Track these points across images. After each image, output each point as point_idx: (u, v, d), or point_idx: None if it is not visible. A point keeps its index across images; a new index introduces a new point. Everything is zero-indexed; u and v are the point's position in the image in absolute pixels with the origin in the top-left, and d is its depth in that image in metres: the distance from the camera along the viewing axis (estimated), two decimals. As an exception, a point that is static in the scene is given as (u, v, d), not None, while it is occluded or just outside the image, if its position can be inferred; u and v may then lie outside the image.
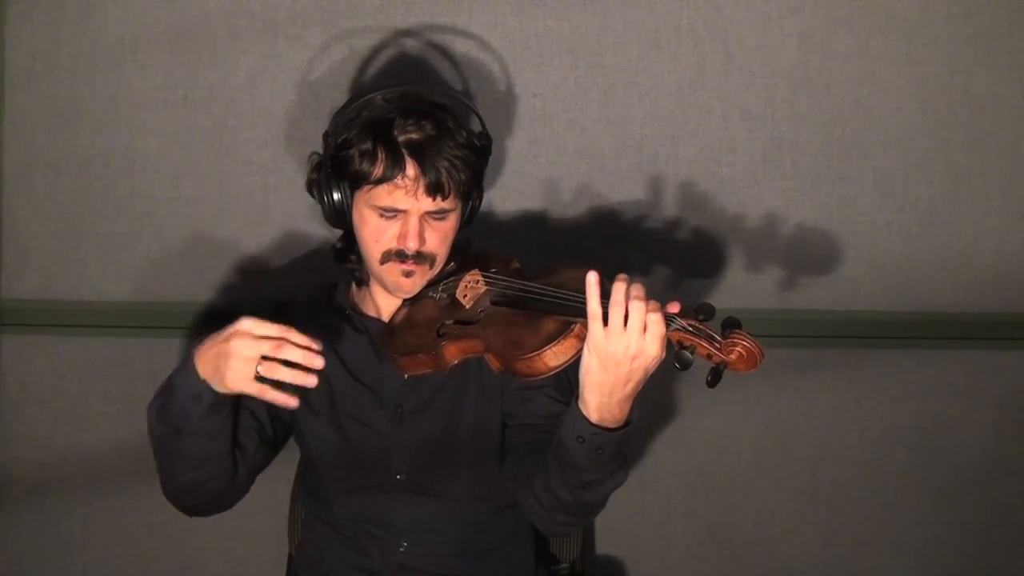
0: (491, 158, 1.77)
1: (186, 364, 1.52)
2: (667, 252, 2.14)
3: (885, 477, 2.24)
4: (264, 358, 1.44)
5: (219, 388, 1.48)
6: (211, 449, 1.60)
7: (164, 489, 1.68)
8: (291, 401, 1.46)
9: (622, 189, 2.13)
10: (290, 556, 2.03)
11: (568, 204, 2.13)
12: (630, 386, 1.43)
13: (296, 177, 2.09)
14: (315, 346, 1.44)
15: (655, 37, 2.10)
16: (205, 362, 1.49)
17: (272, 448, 1.75)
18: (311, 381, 1.43)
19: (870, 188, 2.14)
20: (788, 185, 2.14)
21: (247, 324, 1.45)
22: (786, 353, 2.18)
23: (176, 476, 1.63)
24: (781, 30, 2.10)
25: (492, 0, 2.08)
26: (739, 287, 2.15)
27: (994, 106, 2.12)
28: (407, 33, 2.09)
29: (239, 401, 1.61)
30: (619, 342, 1.39)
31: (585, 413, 1.46)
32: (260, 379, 1.44)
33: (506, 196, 2.13)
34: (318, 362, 1.44)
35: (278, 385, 1.44)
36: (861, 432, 2.23)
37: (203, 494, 1.66)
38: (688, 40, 2.10)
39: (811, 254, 2.16)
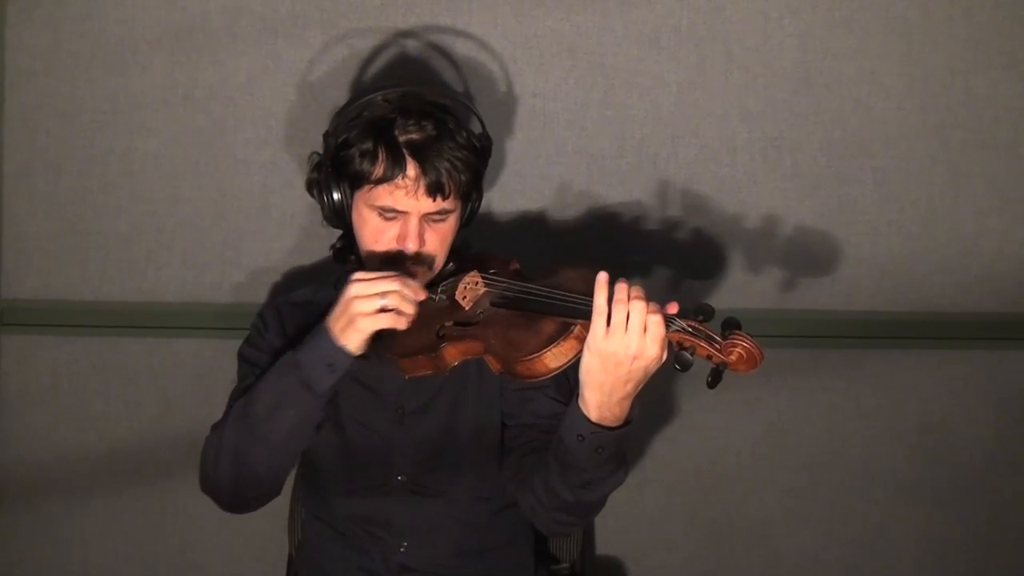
0: (491, 158, 1.78)
1: (316, 338, 1.58)
2: (667, 252, 2.14)
3: (885, 477, 2.24)
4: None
5: (350, 345, 1.55)
6: (308, 434, 1.64)
7: (220, 478, 1.66)
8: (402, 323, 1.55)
9: (622, 189, 2.13)
10: (290, 556, 2.03)
11: (568, 204, 2.13)
12: (630, 386, 1.43)
13: (296, 177, 2.09)
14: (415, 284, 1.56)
15: (655, 37, 2.10)
16: (335, 325, 1.56)
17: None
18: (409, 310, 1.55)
19: (870, 188, 2.14)
20: (788, 185, 2.14)
21: (360, 274, 1.55)
22: (786, 353, 2.18)
23: (257, 461, 1.63)
24: (781, 30, 2.10)
25: (492, 0, 2.08)
26: (739, 287, 2.15)
27: (994, 106, 2.12)
28: (407, 33, 2.09)
29: None
30: (620, 342, 1.40)
31: (585, 412, 1.47)
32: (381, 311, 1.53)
33: (506, 196, 2.13)
34: (422, 294, 1.57)
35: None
36: (861, 432, 2.23)
37: (267, 484, 1.68)
38: (688, 40, 2.10)
39: (811, 254, 2.16)
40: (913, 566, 2.27)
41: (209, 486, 1.70)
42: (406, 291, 1.53)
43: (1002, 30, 2.10)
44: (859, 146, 2.13)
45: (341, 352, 1.56)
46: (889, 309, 2.18)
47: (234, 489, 1.68)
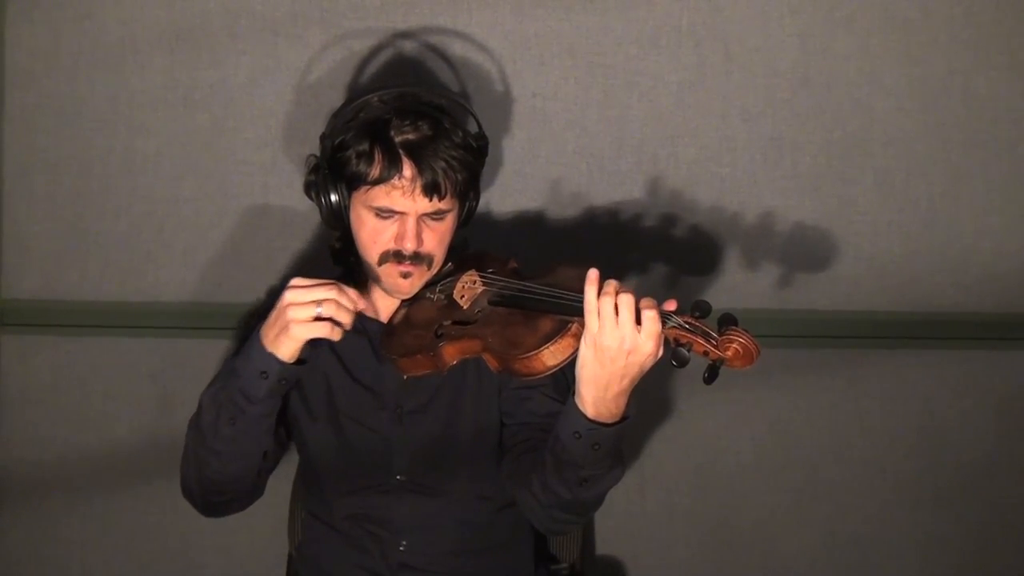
0: (490, 158, 1.78)
1: (250, 346, 1.58)
2: (667, 252, 2.14)
3: (885, 477, 2.24)
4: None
5: (284, 353, 1.54)
6: (258, 440, 1.64)
7: (189, 483, 1.70)
8: (336, 334, 1.54)
9: (622, 189, 2.13)
10: (290, 556, 2.03)
11: (568, 204, 2.13)
12: (625, 382, 1.44)
13: (296, 177, 2.09)
14: (353, 293, 1.56)
15: (655, 37, 2.10)
16: (268, 333, 1.55)
17: (283, 451, 1.78)
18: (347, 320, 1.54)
19: (870, 188, 2.14)
20: (788, 185, 2.14)
21: (297, 280, 1.54)
22: (786, 353, 2.18)
23: (217, 468, 1.65)
24: (781, 30, 2.10)
25: (492, 0, 2.08)
26: (739, 287, 2.15)
27: (994, 106, 2.12)
28: (406, 34, 2.09)
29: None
30: (613, 336, 1.40)
31: (581, 408, 1.47)
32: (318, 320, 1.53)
33: (506, 196, 2.13)
34: (361, 303, 1.56)
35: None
36: (861, 432, 2.23)
37: (232, 491, 1.69)
38: (688, 40, 2.10)
39: (811, 254, 2.16)
40: (913, 566, 2.27)
41: (184, 493, 1.73)
42: (343, 300, 1.53)
43: (1002, 30, 2.10)
44: (859, 146, 2.13)
45: (273, 359, 1.55)
46: (889, 309, 2.18)
47: (202, 496, 1.71)
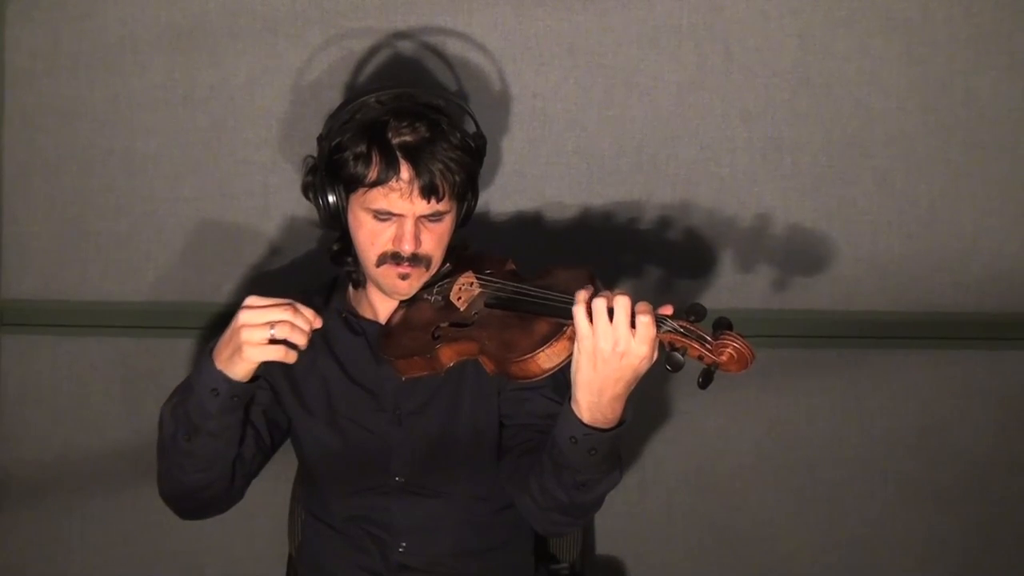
0: (490, 158, 1.78)
1: (202, 363, 1.55)
2: (667, 252, 2.14)
3: (885, 477, 2.24)
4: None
5: (237, 373, 1.51)
6: (220, 451, 1.62)
7: (162, 490, 1.69)
8: (291, 357, 1.51)
9: (622, 189, 2.13)
10: (290, 556, 2.03)
11: (567, 204, 2.13)
12: (620, 386, 1.43)
13: (296, 177, 2.08)
14: (309, 313, 1.52)
15: (655, 37, 2.10)
16: (222, 352, 1.53)
17: (267, 455, 1.77)
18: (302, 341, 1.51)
19: (870, 188, 2.14)
20: (788, 185, 2.14)
21: (251, 300, 1.51)
22: (786, 353, 2.18)
23: (181, 477, 1.64)
24: (781, 30, 2.10)
25: (492, 0, 2.08)
26: (739, 287, 2.15)
27: (994, 106, 2.12)
28: (406, 34, 2.09)
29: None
30: (607, 339, 1.40)
31: (577, 414, 1.46)
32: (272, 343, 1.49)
33: (506, 196, 2.13)
34: (317, 322, 1.52)
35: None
36: (861, 432, 2.23)
37: (202, 498, 1.68)
38: (688, 40, 2.10)
39: (811, 254, 2.16)
40: (913, 566, 2.27)
41: (161, 497, 1.71)
42: (297, 321, 1.49)
43: (1002, 30, 2.10)
44: (859, 146, 2.13)
45: (222, 378, 1.53)
46: (889, 309, 2.17)
47: (175, 501, 1.70)
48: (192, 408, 1.56)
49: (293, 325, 1.49)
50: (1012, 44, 2.10)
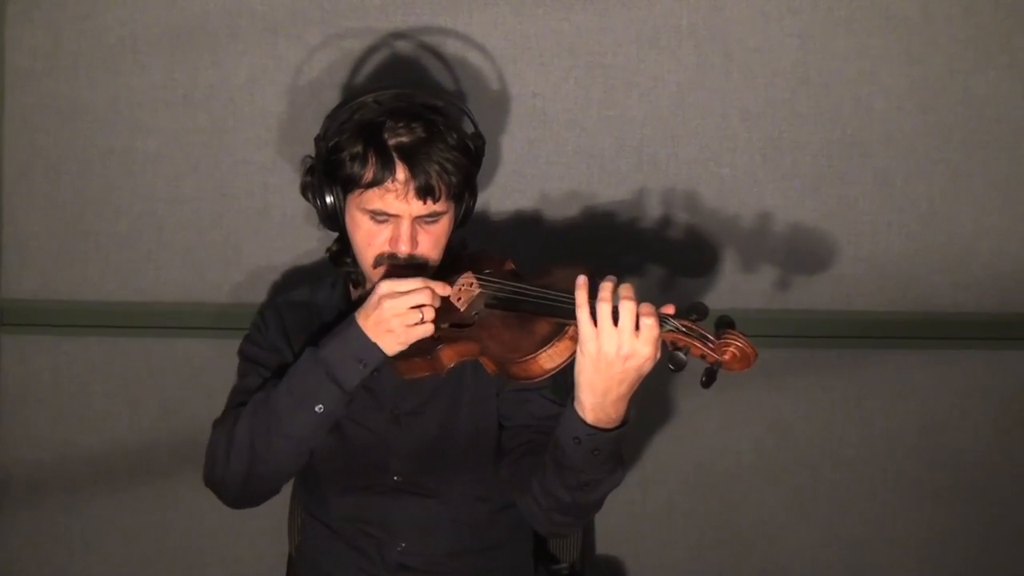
0: (489, 158, 1.77)
1: (345, 336, 1.58)
2: (667, 252, 2.14)
3: (885, 477, 2.24)
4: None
5: (389, 349, 1.57)
6: (325, 428, 1.63)
7: (230, 472, 1.66)
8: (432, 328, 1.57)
9: (622, 189, 2.13)
10: (290, 556, 2.03)
11: (567, 204, 2.13)
12: (624, 387, 1.43)
13: (296, 177, 2.08)
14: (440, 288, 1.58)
15: (655, 37, 2.10)
16: (378, 328, 1.56)
17: None
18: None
19: (870, 188, 2.14)
20: (788, 185, 2.14)
21: (386, 286, 1.55)
22: (786, 353, 2.18)
23: (269, 456, 1.63)
24: (781, 30, 2.10)
25: (492, 0, 2.08)
26: (739, 287, 2.15)
27: (994, 106, 2.12)
28: (406, 34, 2.09)
29: None
30: (610, 342, 1.39)
31: (581, 414, 1.46)
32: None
33: (506, 196, 2.13)
34: (446, 290, 1.58)
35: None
36: (861, 432, 2.23)
37: (277, 480, 1.69)
38: (688, 40, 2.10)
39: (811, 254, 2.16)
40: (913, 566, 2.27)
41: (215, 481, 1.70)
42: (435, 302, 1.56)
43: (1002, 30, 2.10)
44: (859, 146, 2.13)
45: (375, 350, 1.56)
46: (889, 309, 2.18)
47: (244, 484, 1.68)
48: (326, 380, 1.58)
49: (432, 307, 1.55)
50: (1012, 44, 2.10)
